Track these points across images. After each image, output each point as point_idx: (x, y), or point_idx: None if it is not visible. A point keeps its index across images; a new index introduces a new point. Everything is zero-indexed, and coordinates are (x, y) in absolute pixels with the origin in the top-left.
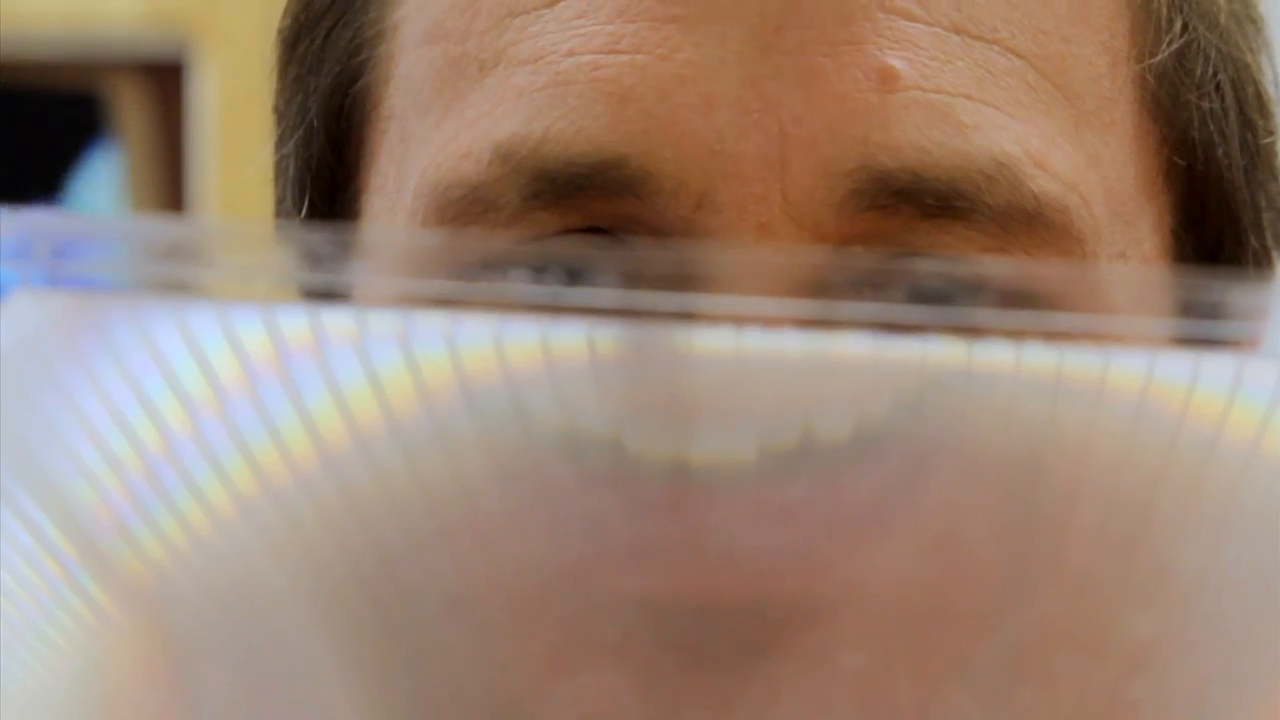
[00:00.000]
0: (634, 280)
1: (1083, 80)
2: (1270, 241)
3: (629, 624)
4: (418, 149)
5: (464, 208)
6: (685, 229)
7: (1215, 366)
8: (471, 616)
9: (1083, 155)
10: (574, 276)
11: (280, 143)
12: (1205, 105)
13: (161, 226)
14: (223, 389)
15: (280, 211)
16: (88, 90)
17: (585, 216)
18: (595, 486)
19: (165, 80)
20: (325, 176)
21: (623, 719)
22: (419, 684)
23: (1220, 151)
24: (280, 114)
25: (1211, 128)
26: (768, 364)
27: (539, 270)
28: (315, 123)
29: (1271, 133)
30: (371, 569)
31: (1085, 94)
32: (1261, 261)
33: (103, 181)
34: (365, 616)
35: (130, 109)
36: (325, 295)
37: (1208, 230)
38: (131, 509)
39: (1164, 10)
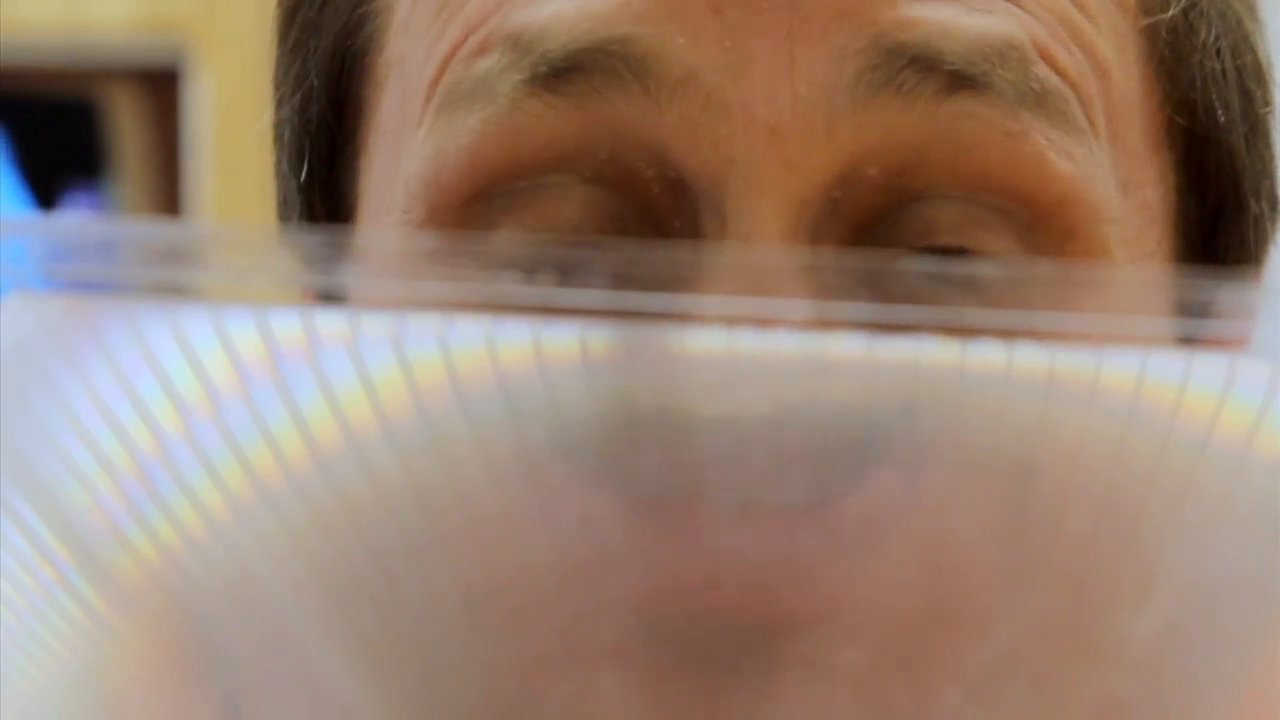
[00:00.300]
0: (626, 281)
1: (1094, 7)
2: (1267, 207)
3: (627, 627)
4: (418, 69)
5: (462, 94)
6: (690, 133)
7: (1207, 366)
8: (469, 619)
9: (1090, 62)
10: (566, 276)
11: (278, 108)
12: (1208, 66)
13: (155, 230)
14: (216, 391)
15: (277, 176)
16: (84, 97)
17: (581, 115)
18: (591, 489)
19: (161, 87)
20: (324, 138)
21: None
22: (416, 686)
23: (1221, 114)
24: (278, 81)
25: (1213, 90)
26: (761, 364)
27: (531, 270)
28: (315, 83)
29: (1268, 103)
30: (367, 571)
31: (1097, 15)
32: (1260, 225)
33: (98, 188)
34: (361, 619)
35: (126, 116)
36: (320, 297)
37: (1209, 192)
38: (125, 512)
39: None
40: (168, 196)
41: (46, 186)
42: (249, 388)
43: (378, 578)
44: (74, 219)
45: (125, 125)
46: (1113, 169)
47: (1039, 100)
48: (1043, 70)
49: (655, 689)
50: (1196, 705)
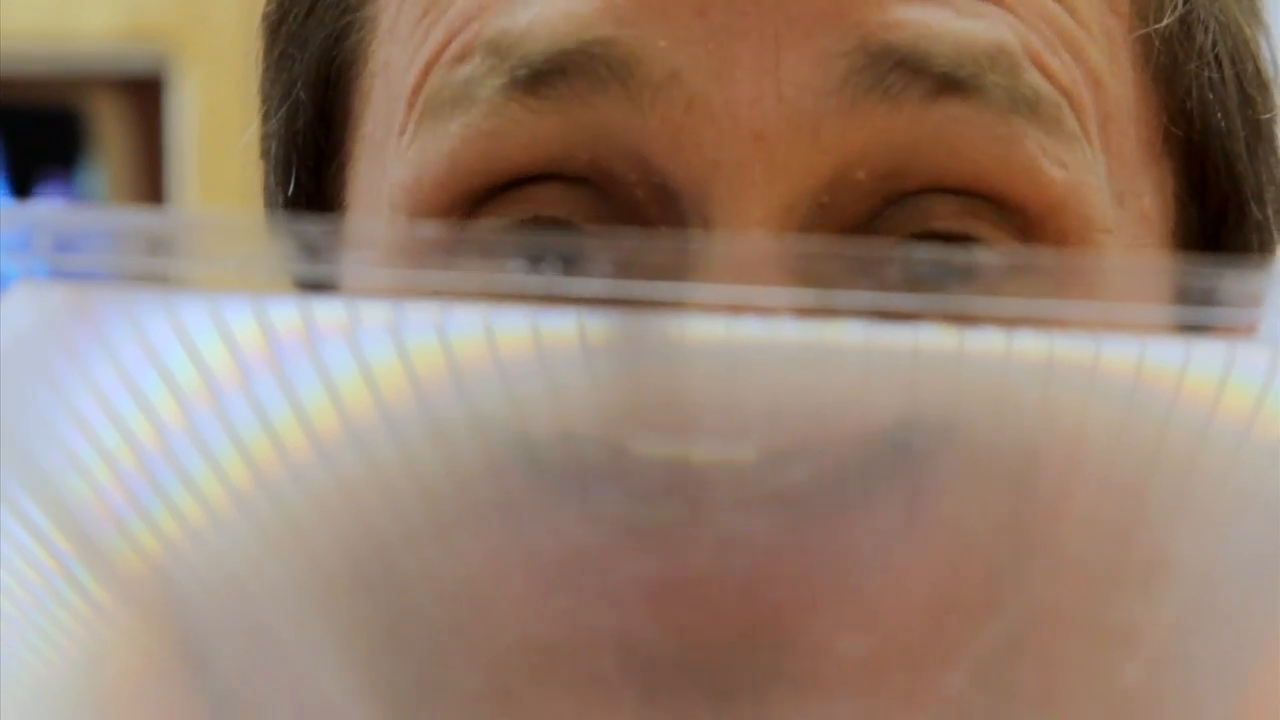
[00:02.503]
0: (628, 269)
1: (1087, 14)
2: (1271, 213)
3: (626, 612)
4: (401, 74)
5: (443, 101)
6: (673, 137)
7: (1207, 351)
8: (469, 605)
9: (1083, 70)
10: (569, 265)
11: (264, 122)
12: (1205, 74)
13: (155, 219)
14: (215, 382)
15: (264, 190)
16: (67, 106)
17: (563, 120)
18: (591, 475)
19: (144, 95)
20: (311, 150)
21: (620, 706)
22: (417, 672)
23: (1220, 121)
24: (264, 95)
25: (1212, 97)
26: (762, 352)
27: (534, 260)
28: (301, 95)
29: (1270, 110)
30: (367, 559)
31: (1090, 22)
32: (1264, 232)
33: (82, 196)
34: (362, 606)
35: (109, 124)
36: (319, 287)
37: (1210, 198)
38: (127, 503)
39: None
40: (151, 204)
41: (30, 194)
42: (248, 378)
43: (378, 565)
44: (79, 208)
45: (109, 134)
46: (1107, 178)
47: (1031, 106)
48: (1034, 77)
49: (656, 672)
50: (1203, 688)
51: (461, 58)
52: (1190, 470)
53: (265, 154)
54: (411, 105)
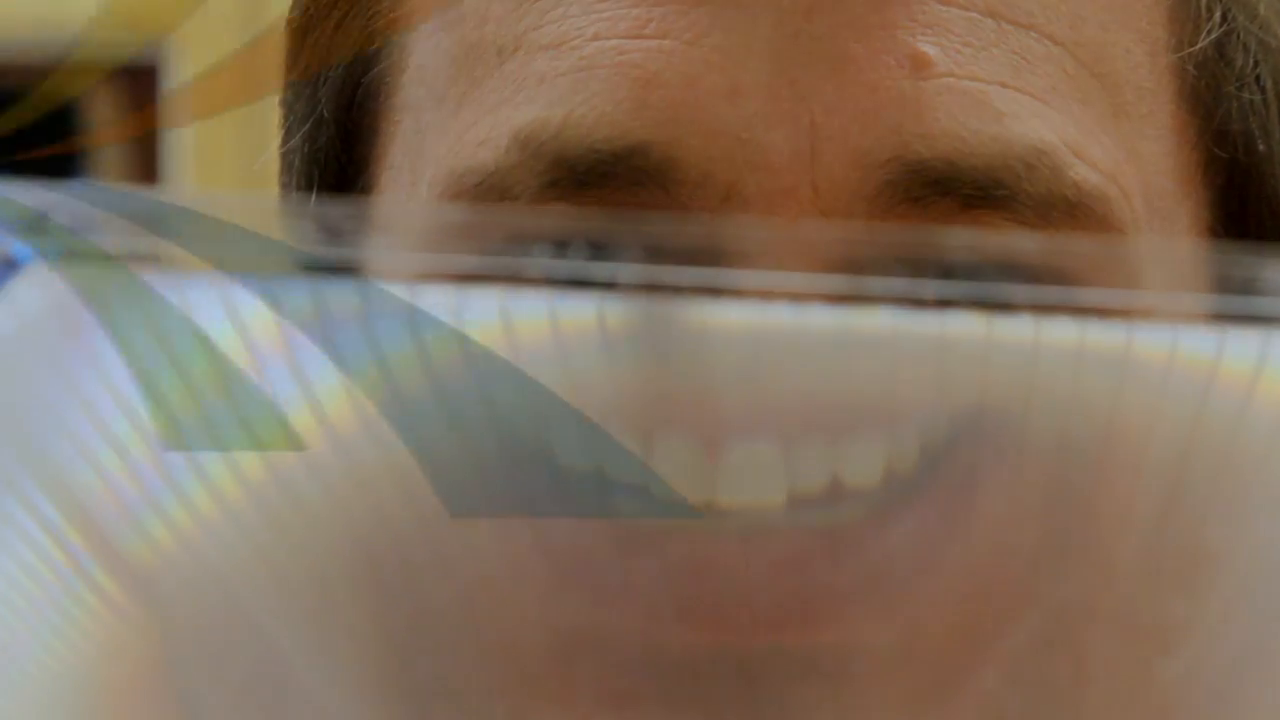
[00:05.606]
0: (656, 255)
1: (1121, 70)
2: None
3: (650, 605)
4: (434, 138)
5: (480, 195)
6: (711, 218)
7: (1241, 341)
8: (485, 599)
9: (1121, 147)
10: (597, 251)
11: (287, 135)
12: (1245, 97)
13: (167, 200)
14: (228, 368)
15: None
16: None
17: (606, 207)
18: (612, 466)
19: (139, 82)
20: (333, 170)
21: (643, 701)
22: (428, 665)
23: (1260, 144)
24: (288, 106)
25: (1251, 120)
26: (790, 340)
27: (560, 246)
28: (325, 114)
29: None
30: (382, 552)
31: (1123, 84)
32: None
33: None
34: (376, 599)
35: (103, 110)
36: (341, 270)
37: (1247, 224)
38: (137, 494)
39: (1203, 0)
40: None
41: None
42: (261, 365)
43: (392, 559)
44: (93, 189)
45: (103, 120)
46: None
47: (1071, 205)
48: (1079, 171)
49: (670, 654)
50: (1234, 682)
51: (494, 144)
52: (1226, 461)
53: (287, 167)
54: (444, 183)
